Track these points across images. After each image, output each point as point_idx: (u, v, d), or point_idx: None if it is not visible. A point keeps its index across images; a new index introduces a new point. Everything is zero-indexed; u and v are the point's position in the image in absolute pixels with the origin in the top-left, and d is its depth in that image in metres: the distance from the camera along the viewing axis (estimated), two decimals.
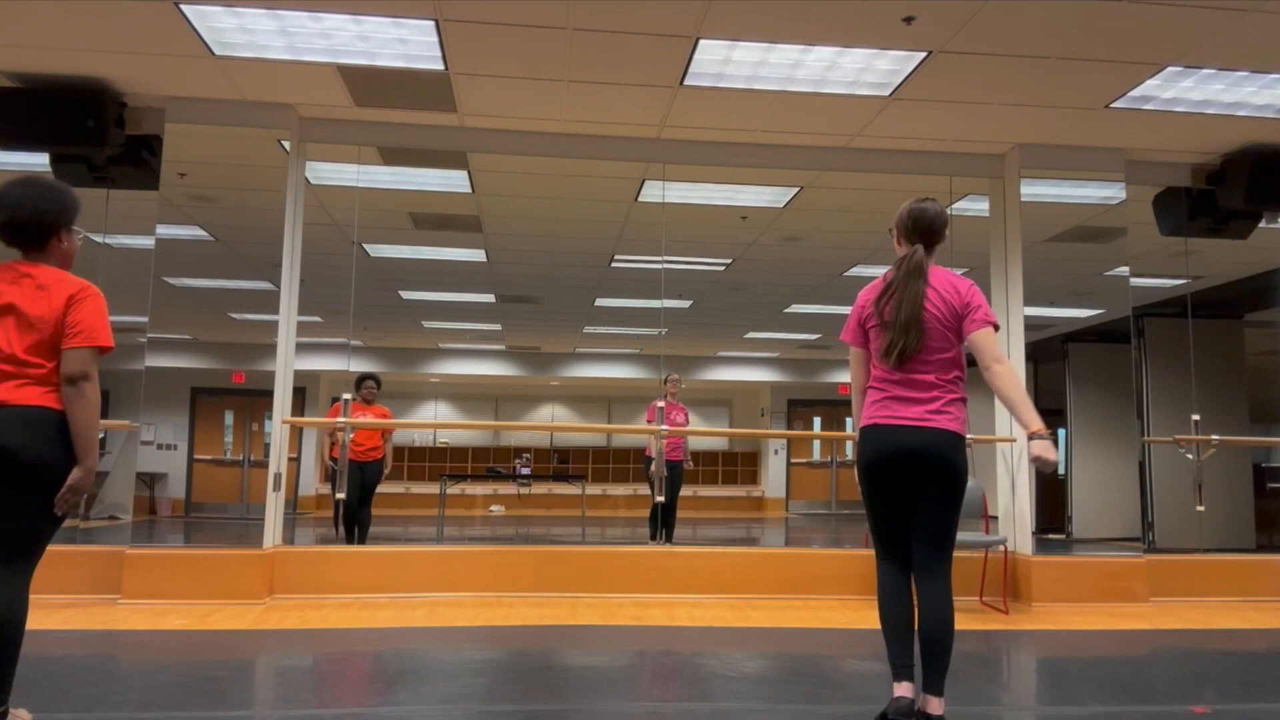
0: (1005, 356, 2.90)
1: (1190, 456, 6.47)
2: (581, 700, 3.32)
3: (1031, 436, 2.84)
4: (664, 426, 6.40)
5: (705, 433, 19.20)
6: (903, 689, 2.86)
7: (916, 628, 2.91)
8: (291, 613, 4.95)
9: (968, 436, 3.01)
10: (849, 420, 3.24)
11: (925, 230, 3.01)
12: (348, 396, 6.01)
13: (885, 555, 3.03)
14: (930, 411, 2.89)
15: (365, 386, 7.34)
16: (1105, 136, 5.79)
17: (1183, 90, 5.07)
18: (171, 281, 5.71)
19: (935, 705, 2.84)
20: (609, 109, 5.50)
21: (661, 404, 6.59)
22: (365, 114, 5.65)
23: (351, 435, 7.00)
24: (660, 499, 6.61)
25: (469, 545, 6.09)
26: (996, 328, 2.94)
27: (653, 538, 7.96)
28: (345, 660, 3.91)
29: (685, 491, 17.35)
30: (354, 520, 7.28)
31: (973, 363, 2.97)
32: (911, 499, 2.95)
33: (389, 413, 7.66)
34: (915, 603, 2.94)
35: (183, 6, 4.34)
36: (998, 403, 6.15)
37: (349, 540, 7.19)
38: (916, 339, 2.89)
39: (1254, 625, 5.17)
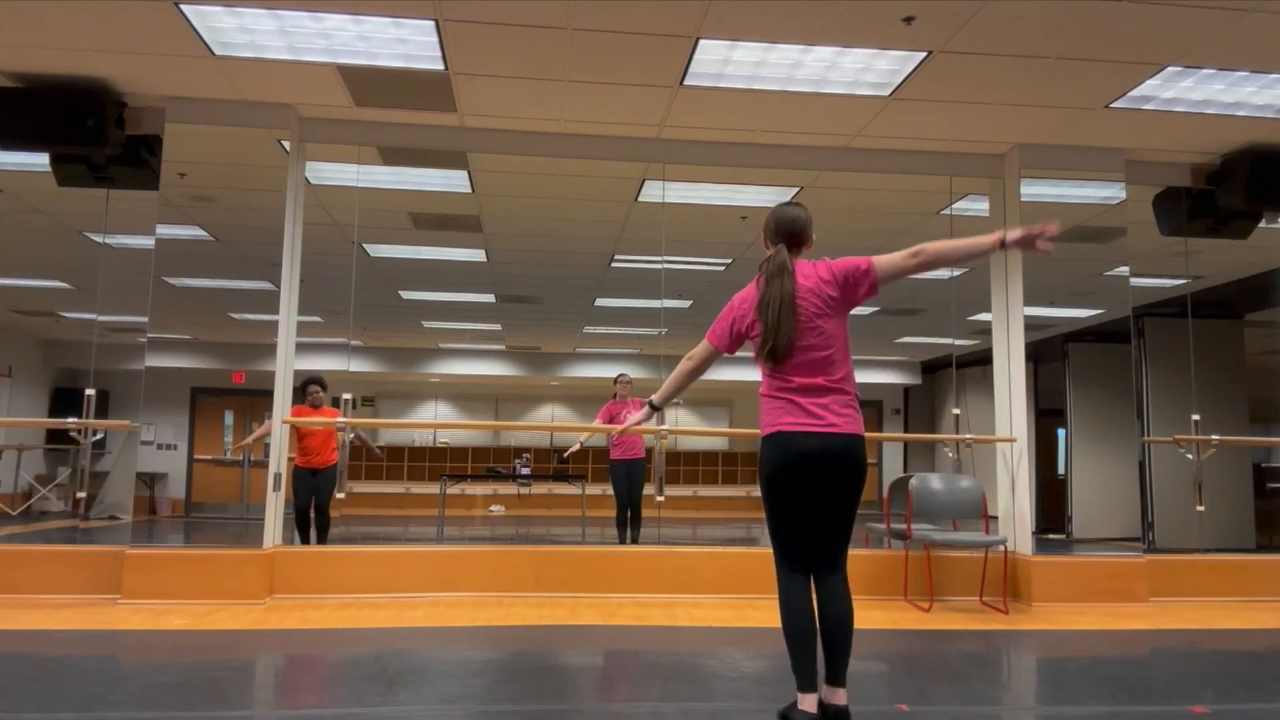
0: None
1: (1190, 456, 6.47)
2: (581, 700, 3.32)
3: (1004, 242, 2.79)
4: (664, 426, 6.40)
5: (705, 433, 19.19)
6: (809, 702, 2.85)
7: (825, 625, 2.90)
8: (291, 613, 4.95)
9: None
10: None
11: (789, 233, 3.05)
12: (347, 396, 6.01)
13: (793, 567, 2.96)
14: (835, 416, 2.91)
15: (310, 391, 6.95)
16: (1105, 136, 5.79)
17: (1183, 90, 5.07)
18: (171, 281, 5.71)
19: (843, 696, 2.86)
20: (609, 109, 5.50)
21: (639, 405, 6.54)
22: (365, 114, 5.65)
23: (302, 441, 6.91)
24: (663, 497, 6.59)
25: (469, 545, 6.09)
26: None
27: (622, 540, 7.95)
28: (345, 660, 3.91)
29: (685, 491, 17.47)
30: (309, 524, 7.14)
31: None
32: (820, 503, 2.94)
33: (338, 413, 7.43)
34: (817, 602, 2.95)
35: (183, 6, 4.34)
36: (997, 403, 6.16)
37: (304, 542, 7.04)
38: (788, 336, 2.91)
39: (1254, 625, 5.17)
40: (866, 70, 4.90)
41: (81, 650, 4.01)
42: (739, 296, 3.10)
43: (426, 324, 12.88)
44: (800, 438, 2.90)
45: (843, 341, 3.00)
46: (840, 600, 2.93)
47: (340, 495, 6.17)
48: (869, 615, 5.15)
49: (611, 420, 8.06)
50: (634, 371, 8.27)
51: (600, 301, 10.93)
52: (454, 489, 14.83)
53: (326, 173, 6.40)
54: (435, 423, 18.18)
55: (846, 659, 2.89)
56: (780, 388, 2.97)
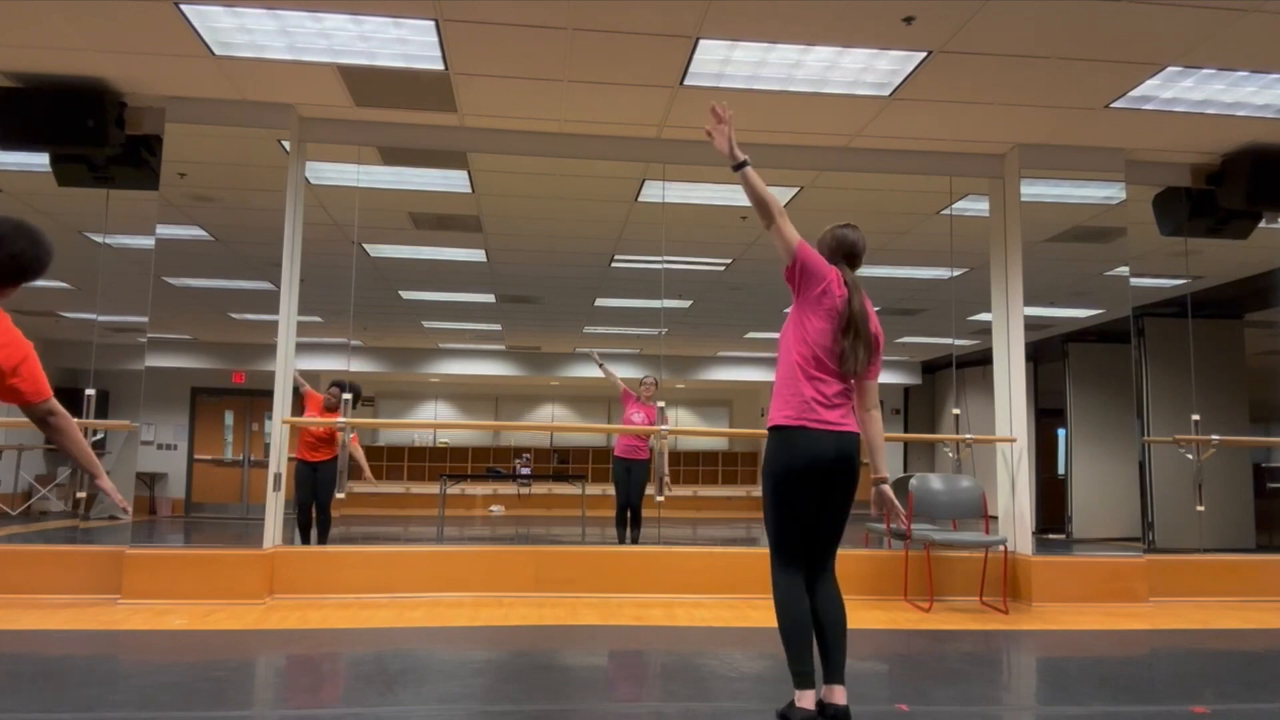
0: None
1: (1190, 456, 6.47)
2: (581, 700, 3.32)
3: (878, 483, 3.08)
4: (664, 426, 6.40)
5: (705, 433, 19.20)
6: (808, 699, 2.89)
7: (822, 625, 2.98)
8: (291, 613, 4.95)
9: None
10: None
11: (849, 253, 3.23)
12: (348, 396, 6.01)
13: (790, 565, 3.02)
14: (844, 415, 3.03)
15: (329, 390, 6.93)
16: (1105, 136, 5.79)
17: (1183, 90, 5.07)
18: (171, 281, 5.70)
19: (843, 694, 2.93)
20: (609, 109, 5.50)
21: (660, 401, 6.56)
22: (365, 114, 5.65)
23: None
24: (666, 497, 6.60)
25: (469, 545, 6.09)
26: None
27: (621, 540, 7.92)
28: (345, 660, 3.91)
29: (685, 491, 17.48)
30: (310, 521, 7.13)
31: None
32: (827, 501, 3.01)
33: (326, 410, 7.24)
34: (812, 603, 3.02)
35: (183, 6, 4.34)
36: (997, 403, 6.16)
37: (304, 541, 7.04)
38: (867, 358, 3.04)
39: (1254, 625, 5.18)
40: (866, 70, 4.90)
41: (81, 650, 4.01)
42: (824, 267, 3.11)
43: (426, 324, 12.88)
44: (824, 438, 2.96)
45: None
46: (836, 601, 3.04)
47: (340, 495, 6.16)
48: (869, 615, 5.15)
49: (627, 414, 8.02)
50: (634, 372, 8.27)
51: (600, 301, 10.93)
52: (454, 489, 14.84)
53: (326, 173, 6.40)
54: (435, 423, 18.17)
55: (844, 656, 2.98)
56: (812, 375, 3.01)
